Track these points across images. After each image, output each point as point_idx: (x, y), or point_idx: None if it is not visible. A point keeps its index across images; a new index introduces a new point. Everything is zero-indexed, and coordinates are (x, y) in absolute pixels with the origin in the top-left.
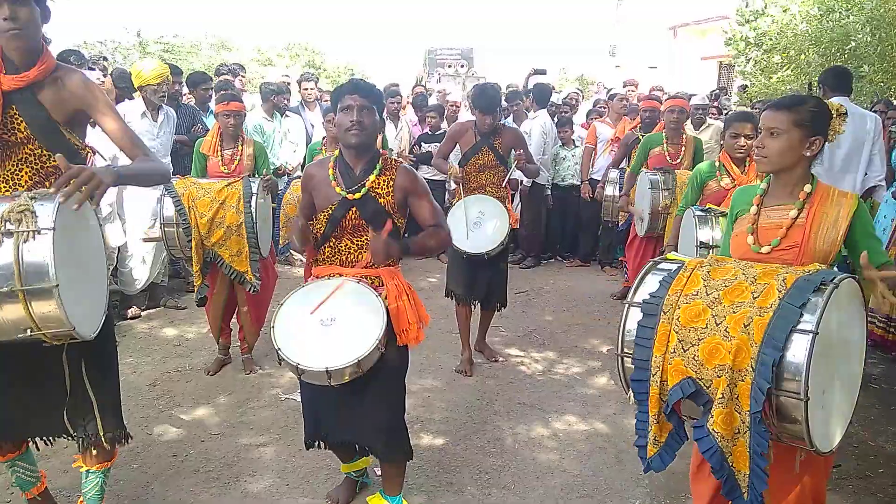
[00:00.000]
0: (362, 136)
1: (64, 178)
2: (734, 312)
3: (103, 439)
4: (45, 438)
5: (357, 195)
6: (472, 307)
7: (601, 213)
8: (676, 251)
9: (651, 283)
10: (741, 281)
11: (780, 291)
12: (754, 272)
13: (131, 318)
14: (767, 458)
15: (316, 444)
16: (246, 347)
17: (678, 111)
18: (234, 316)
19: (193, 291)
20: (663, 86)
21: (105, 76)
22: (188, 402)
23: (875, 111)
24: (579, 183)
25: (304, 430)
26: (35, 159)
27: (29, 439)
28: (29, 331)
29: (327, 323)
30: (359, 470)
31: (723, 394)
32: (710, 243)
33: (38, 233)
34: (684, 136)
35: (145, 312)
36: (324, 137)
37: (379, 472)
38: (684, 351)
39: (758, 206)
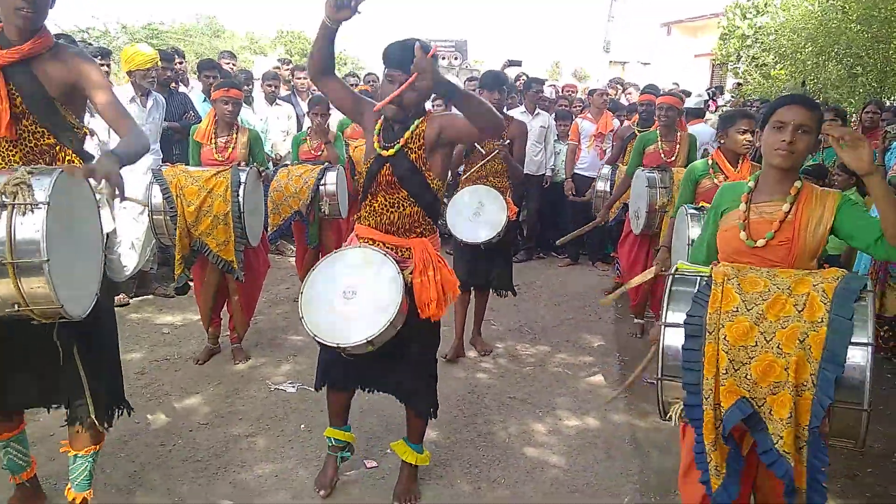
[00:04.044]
0: (401, 114)
1: (110, 188)
2: (783, 328)
3: (94, 420)
4: (41, 407)
5: (391, 151)
6: (470, 294)
7: (592, 209)
8: (669, 251)
9: (680, 300)
10: (778, 293)
11: (824, 304)
12: (785, 282)
13: (119, 306)
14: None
15: (325, 385)
16: (236, 337)
17: (667, 108)
18: (225, 305)
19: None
20: (638, 84)
21: None
22: (177, 392)
23: (867, 111)
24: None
25: (315, 378)
26: (29, 135)
27: (24, 421)
28: (16, 306)
29: (349, 296)
30: (340, 441)
31: (790, 413)
32: None
33: (34, 207)
34: (679, 134)
35: (134, 300)
36: (308, 127)
37: (369, 465)
38: (735, 371)
39: (746, 202)
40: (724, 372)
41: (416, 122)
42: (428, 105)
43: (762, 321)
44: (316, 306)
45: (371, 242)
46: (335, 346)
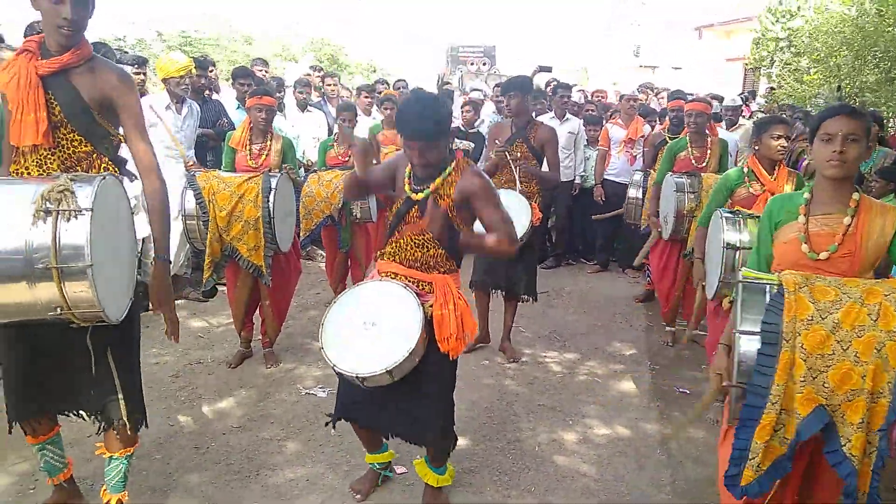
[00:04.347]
0: (427, 171)
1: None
2: (859, 337)
3: (126, 422)
4: (71, 413)
5: (419, 195)
6: (491, 295)
7: (623, 216)
8: (702, 258)
9: (752, 307)
10: (851, 303)
11: None
12: (855, 291)
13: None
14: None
15: (342, 419)
16: (267, 341)
17: (695, 115)
18: (257, 310)
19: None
20: (669, 88)
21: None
22: (210, 395)
23: None
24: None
25: (334, 408)
26: (67, 143)
27: (59, 423)
28: (59, 310)
29: (369, 327)
30: (382, 462)
31: (862, 418)
32: (738, 245)
33: (78, 213)
34: (709, 139)
35: None
36: (335, 133)
37: (399, 471)
38: (813, 379)
39: (804, 215)
40: (802, 380)
41: (447, 169)
42: (456, 111)
43: (838, 330)
44: (336, 337)
45: (393, 276)
46: (354, 376)
